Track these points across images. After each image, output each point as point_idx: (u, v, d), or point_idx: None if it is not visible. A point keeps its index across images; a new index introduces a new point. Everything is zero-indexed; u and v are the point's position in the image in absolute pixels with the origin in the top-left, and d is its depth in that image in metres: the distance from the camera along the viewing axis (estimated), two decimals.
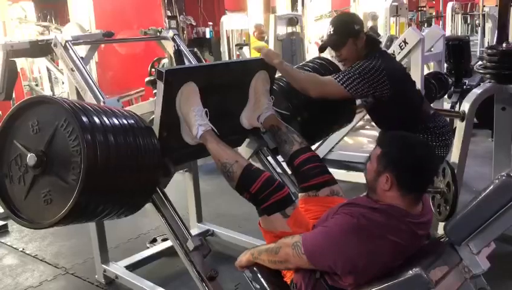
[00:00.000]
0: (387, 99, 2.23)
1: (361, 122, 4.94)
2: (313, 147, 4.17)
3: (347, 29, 2.30)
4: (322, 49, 2.43)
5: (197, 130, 1.94)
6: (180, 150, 2.08)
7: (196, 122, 1.94)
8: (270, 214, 1.73)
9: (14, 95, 4.34)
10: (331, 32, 2.32)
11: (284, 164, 2.28)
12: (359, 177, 2.55)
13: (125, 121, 1.85)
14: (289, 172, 2.22)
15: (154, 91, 4.57)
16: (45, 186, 1.72)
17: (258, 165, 2.33)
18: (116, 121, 1.80)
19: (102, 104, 2.28)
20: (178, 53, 2.77)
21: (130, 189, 1.87)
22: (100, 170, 1.66)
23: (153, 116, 2.01)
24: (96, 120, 1.71)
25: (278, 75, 2.46)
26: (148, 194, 1.98)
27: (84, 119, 1.67)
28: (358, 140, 5.05)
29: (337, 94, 2.22)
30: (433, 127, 2.39)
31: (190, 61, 2.84)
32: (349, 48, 2.29)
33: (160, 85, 1.88)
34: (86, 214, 1.79)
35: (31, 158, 1.70)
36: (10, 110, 1.80)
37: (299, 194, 2.03)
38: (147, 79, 5.17)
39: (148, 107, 2.92)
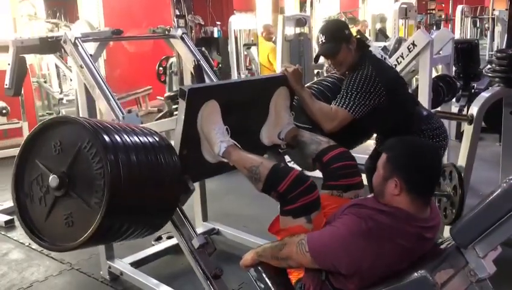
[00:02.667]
0: (382, 106, 2.23)
1: None
2: None
3: (339, 36, 2.30)
4: (316, 58, 2.46)
5: (219, 148, 1.92)
6: (199, 168, 2.07)
7: (218, 139, 1.92)
8: (296, 217, 1.68)
9: (22, 91, 4.39)
10: (324, 41, 2.31)
11: None
12: (365, 179, 2.54)
13: (146, 139, 1.82)
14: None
15: (174, 106, 4.58)
16: (67, 208, 1.68)
17: None
18: (137, 140, 1.77)
19: (121, 119, 2.28)
20: (198, 69, 2.75)
21: (152, 209, 1.84)
22: (123, 192, 1.63)
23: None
24: (119, 140, 1.68)
25: (306, 85, 2.46)
26: (170, 212, 1.96)
27: (107, 140, 1.64)
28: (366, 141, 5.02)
29: (346, 121, 2.21)
30: (427, 129, 2.38)
31: (209, 76, 2.82)
32: (343, 53, 2.29)
33: (183, 103, 1.88)
34: (109, 236, 1.77)
35: (53, 180, 1.66)
36: (33, 129, 1.78)
37: (321, 191, 1.94)
38: (166, 94, 5.18)
39: (168, 124, 2.91)
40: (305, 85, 2.39)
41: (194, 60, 2.79)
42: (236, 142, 1.95)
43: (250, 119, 2.18)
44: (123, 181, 1.62)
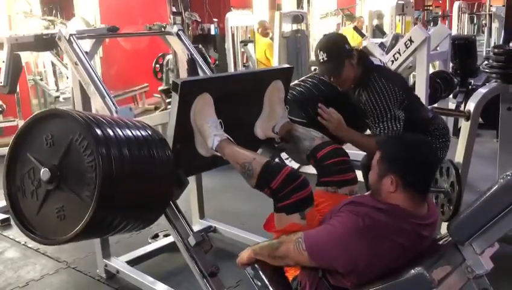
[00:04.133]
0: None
1: None
2: None
3: (341, 52, 2.25)
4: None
5: (212, 141, 1.91)
6: (193, 162, 2.06)
7: (211, 133, 1.92)
8: (289, 213, 1.67)
9: (18, 89, 4.36)
10: (325, 59, 2.24)
11: None
12: (361, 176, 2.53)
13: (138, 133, 1.81)
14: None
15: (168, 100, 4.57)
16: (59, 201, 1.68)
17: None
18: (130, 133, 1.76)
19: (114, 113, 2.26)
20: (191, 62, 2.74)
21: (144, 203, 1.83)
22: (115, 185, 1.62)
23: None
24: (111, 133, 1.67)
25: (292, 83, 2.45)
26: (163, 207, 1.95)
27: (99, 132, 1.63)
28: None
29: None
30: (433, 130, 2.40)
31: (203, 68, 2.81)
32: (347, 70, 2.25)
33: (175, 96, 1.87)
34: (100, 229, 1.76)
35: (44, 173, 1.66)
36: (24, 122, 1.76)
37: (317, 187, 1.95)
38: (160, 88, 5.17)
39: (161, 118, 2.90)
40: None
41: (188, 54, 2.78)
42: (229, 136, 1.94)
43: (244, 113, 2.17)
44: (115, 174, 1.61)
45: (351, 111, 2.40)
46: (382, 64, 2.46)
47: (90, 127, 1.63)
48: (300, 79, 2.71)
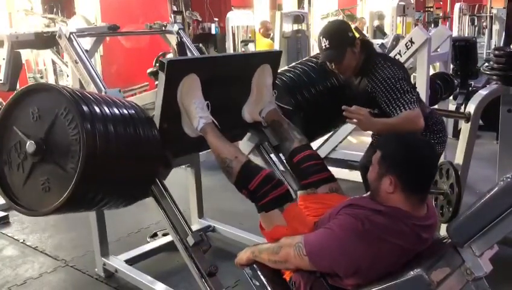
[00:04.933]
0: None
1: None
2: (317, 146, 4.19)
3: (343, 40, 2.21)
4: (321, 65, 2.38)
5: (197, 123, 1.93)
6: (180, 142, 2.07)
7: (197, 114, 1.93)
8: (268, 210, 1.72)
9: (18, 87, 4.36)
10: (327, 46, 2.20)
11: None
12: (360, 177, 2.53)
13: (125, 111, 1.84)
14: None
15: (156, 82, 4.56)
16: (44, 174, 1.71)
17: (258, 159, 2.32)
18: (116, 111, 1.79)
19: (103, 94, 2.26)
20: (180, 45, 2.74)
21: (129, 179, 1.86)
22: (99, 159, 1.65)
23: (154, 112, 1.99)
24: (97, 109, 1.71)
25: (280, 69, 2.43)
26: (147, 185, 1.97)
27: (85, 108, 1.66)
28: (361, 139, 5.02)
29: (421, 114, 2.12)
30: (432, 124, 2.38)
31: (193, 53, 2.83)
32: (348, 57, 2.21)
33: (162, 76, 1.87)
34: (83, 203, 1.79)
35: (30, 145, 1.69)
36: (11, 97, 1.79)
37: (299, 192, 2.02)
38: (149, 70, 5.16)
39: (149, 98, 2.91)
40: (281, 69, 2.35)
41: (177, 38, 2.79)
42: (215, 120, 1.95)
43: (232, 96, 2.17)
44: (99, 149, 1.64)
45: (346, 100, 2.40)
46: (383, 52, 2.43)
47: (76, 101, 1.66)
48: (290, 65, 2.69)
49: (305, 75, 2.50)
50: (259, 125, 2.31)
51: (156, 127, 1.92)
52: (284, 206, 1.72)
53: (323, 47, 2.22)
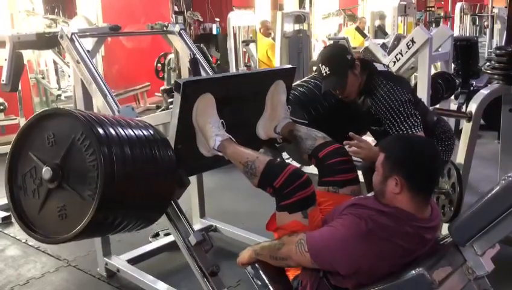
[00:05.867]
0: None
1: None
2: None
3: (343, 64, 2.19)
4: (324, 94, 2.36)
5: (214, 141, 1.91)
6: (194, 162, 2.07)
7: (213, 133, 1.92)
8: (292, 212, 1.67)
9: (20, 87, 4.37)
10: (328, 73, 2.19)
11: None
12: (361, 177, 2.53)
13: (140, 133, 1.81)
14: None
15: (170, 100, 4.57)
16: (60, 200, 1.68)
17: None
18: (132, 133, 1.76)
19: (116, 113, 2.26)
20: (194, 62, 2.73)
21: (146, 203, 1.83)
22: (117, 185, 1.62)
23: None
24: (113, 133, 1.67)
25: (294, 84, 2.42)
26: (164, 206, 1.95)
27: (101, 132, 1.63)
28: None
29: None
30: (439, 133, 2.38)
31: (205, 69, 2.80)
32: (351, 80, 2.21)
33: (178, 96, 1.87)
34: (102, 228, 1.77)
35: (46, 172, 1.65)
36: (26, 121, 1.77)
37: (318, 187, 1.95)
38: (162, 88, 5.17)
39: (163, 118, 2.90)
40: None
41: (190, 54, 2.78)
42: (231, 136, 1.94)
43: (246, 113, 2.17)
44: (117, 174, 1.61)
45: (354, 115, 2.39)
46: (386, 69, 2.41)
47: (92, 126, 1.63)
48: (302, 79, 2.70)
49: (318, 88, 2.49)
50: (274, 142, 2.30)
51: (171, 147, 1.90)
52: (308, 211, 1.67)
53: (324, 74, 2.21)
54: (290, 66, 2.39)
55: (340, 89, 2.25)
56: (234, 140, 1.94)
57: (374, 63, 2.37)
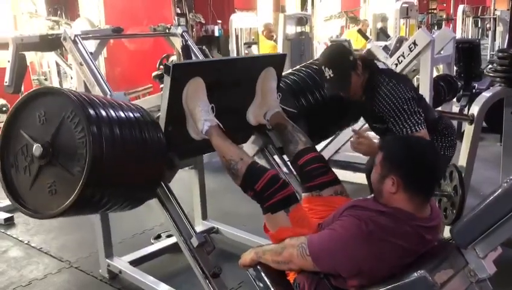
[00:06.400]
0: None
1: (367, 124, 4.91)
2: (320, 148, 4.19)
3: (346, 66, 2.20)
4: (331, 97, 2.37)
5: (202, 126, 1.94)
6: (185, 145, 2.08)
7: (202, 117, 1.94)
8: (274, 212, 1.73)
9: (23, 89, 4.38)
10: (332, 76, 2.20)
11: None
12: (365, 179, 2.53)
13: (131, 114, 1.85)
14: (294, 172, 2.20)
15: (161, 86, 4.59)
16: (50, 177, 1.72)
17: (263, 162, 2.33)
18: (122, 114, 1.81)
19: (109, 97, 2.28)
20: (186, 48, 2.76)
21: (135, 182, 1.87)
22: (105, 162, 1.66)
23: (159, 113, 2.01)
24: (103, 112, 1.72)
25: (284, 72, 2.43)
26: (153, 188, 1.99)
27: (91, 111, 1.68)
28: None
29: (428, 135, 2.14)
30: (442, 129, 2.38)
31: (198, 56, 2.84)
32: (354, 81, 2.22)
33: (167, 79, 1.89)
34: (89, 205, 1.80)
35: (36, 149, 1.70)
36: (18, 100, 1.81)
37: (303, 194, 2.03)
38: (154, 73, 5.18)
39: (155, 101, 2.92)
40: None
41: (182, 41, 2.80)
42: (220, 123, 1.96)
43: (237, 99, 2.18)
44: (105, 151, 1.65)
45: (346, 107, 2.41)
46: (387, 67, 2.42)
47: (83, 104, 1.67)
48: (294, 68, 2.70)
49: (310, 78, 2.51)
50: (264, 128, 2.32)
51: (161, 129, 1.94)
52: (290, 208, 1.73)
53: (328, 77, 2.21)
54: (280, 53, 2.40)
55: (344, 90, 2.26)
56: (222, 127, 1.97)
57: (375, 61, 2.38)
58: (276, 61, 2.27)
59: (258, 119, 2.24)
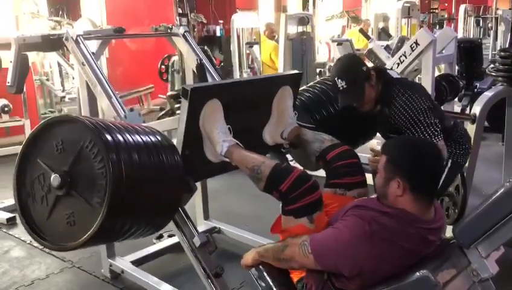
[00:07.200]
0: None
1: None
2: None
3: (360, 77, 2.15)
4: (343, 108, 2.29)
5: (221, 147, 1.92)
6: (202, 167, 2.07)
7: (220, 139, 1.92)
8: (297, 217, 1.67)
9: (24, 89, 4.39)
10: (345, 87, 2.15)
11: None
12: (370, 179, 2.53)
13: (148, 139, 1.81)
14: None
15: (177, 105, 4.58)
16: (69, 207, 1.68)
17: None
18: (139, 139, 1.76)
19: (123, 115, 2.27)
20: (200, 67, 2.73)
21: (154, 209, 1.83)
22: (125, 192, 1.62)
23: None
24: (121, 139, 1.68)
25: (300, 89, 2.41)
26: (172, 212, 1.95)
27: (109, 138, 1.63)
28: (372, 143, 5.01)
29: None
30: (457, 137, 2.35)
31: (212, 74, 2.81)
32: (368, 92, 2.17)
33: (185, 102, 1.88)
34: (110, 235, 1.78)
35: (54, 179, 1.66)
36: (35, 128, 1.77)
37: (324, 189, 1.94)
38: (169, 93, 5.18)
39: (170, 124, 2.90)
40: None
41: (197, 59, 2.78)
42: (238, 142, 1.95)
43: (253, 119, 2.18)
44: (125, 181, 1.61)
45: (361, 119, 2.38)
46: (401, 76, 2.38)
47: (101, 133, 1.63)
48: (308, 84, 2.69)
49: (324, 94, 2.49)
50: (280, 148, 2.30)
51: (178, 153, 1.90)
52: (314, 216, 1.67)
53: (341, 88, 2.17)
54: (296, 71, 2.38)
55: (358, 102, 2.21)
56: (241, 145, 1.94)
57: (388, 71, 2.34)
58: (292, 79, 2.26)
59: (274, 139, 2.22)
